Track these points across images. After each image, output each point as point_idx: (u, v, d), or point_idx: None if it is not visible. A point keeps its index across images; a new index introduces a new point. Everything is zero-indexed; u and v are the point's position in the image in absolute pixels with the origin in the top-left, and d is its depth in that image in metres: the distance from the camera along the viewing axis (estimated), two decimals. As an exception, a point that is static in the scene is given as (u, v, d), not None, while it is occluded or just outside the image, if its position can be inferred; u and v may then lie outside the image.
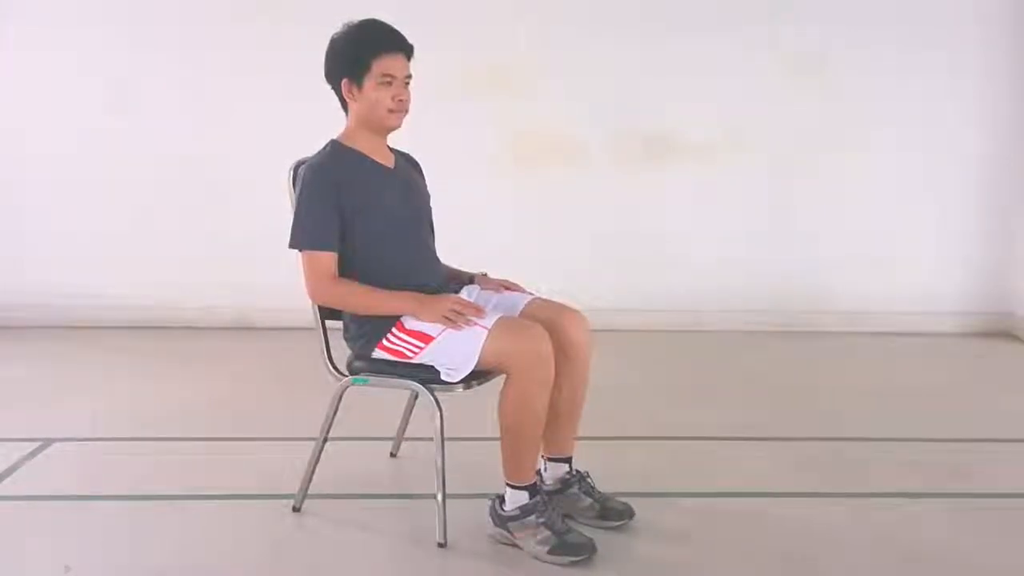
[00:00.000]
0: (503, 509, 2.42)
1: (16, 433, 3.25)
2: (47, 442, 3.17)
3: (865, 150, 4.86)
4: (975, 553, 2.45)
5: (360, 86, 2.44)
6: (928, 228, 4.94)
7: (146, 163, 4.75)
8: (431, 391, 2.42)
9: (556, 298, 2.61)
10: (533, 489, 2.40)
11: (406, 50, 2.47)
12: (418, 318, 2.40)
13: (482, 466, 2.65)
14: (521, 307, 2.56)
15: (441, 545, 2.43)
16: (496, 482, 2.45)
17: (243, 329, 4.81)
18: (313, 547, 2.46)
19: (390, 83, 2.43)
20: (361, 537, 2.52)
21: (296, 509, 2.64)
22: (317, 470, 2.64)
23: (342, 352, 2.59)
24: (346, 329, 2.55)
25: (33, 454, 3.07)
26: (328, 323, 2.59)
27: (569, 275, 4.31)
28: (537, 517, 2.37)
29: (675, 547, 2.47)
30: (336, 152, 2.50)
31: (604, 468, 2.68)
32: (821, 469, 3.02)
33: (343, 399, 2.58)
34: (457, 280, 2.69)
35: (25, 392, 3.82)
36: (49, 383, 3.97)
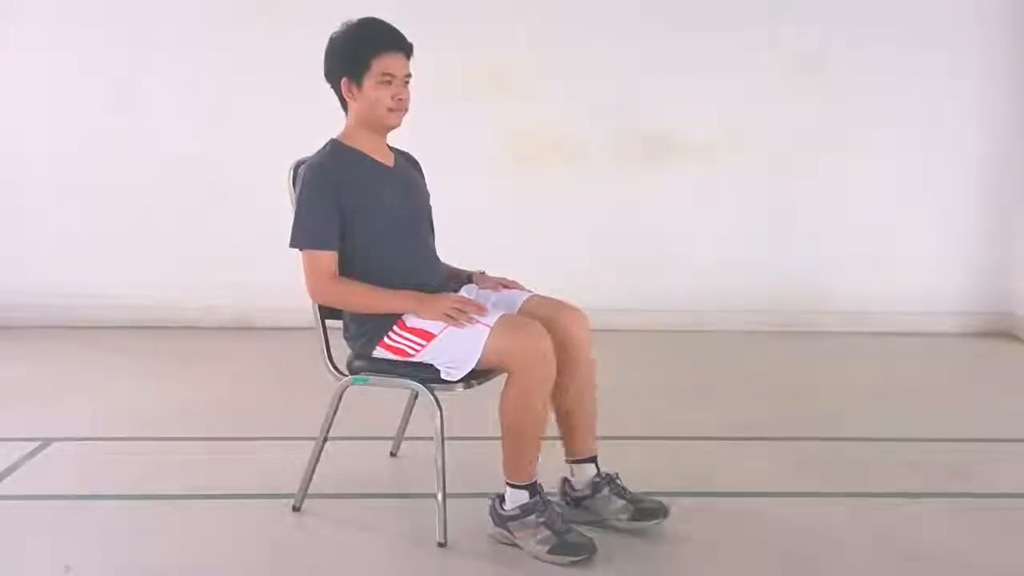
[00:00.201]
0: (503, 509, 2.42)
1: (16, 433, 3.25)
2: (47, 442, 3.17)
3: (865, 150, 4.85)
4: (975, 553, 2.45)
5: (360, 85, 2.44)
6: (928, 228, 4.94)
7: (146, 163, 4.75)
8: (431, 390, 2.42)
9: (555, 297, 2.60)
10: (533, 488, 2.40)
11: (406, 49, 2.47)
12: (419, 316, 2.40)
13: (482, 466, 2.65)
14: (519, 304, 2.56)
15: (441, 545, 2.43)
16: (496, 481, 2.45)
17: (243, 329, 4.81)
18: (313, 547, 2.45)
19: (390, 82, 2.43)
20: (361, 537, 2.51)
21: (296, 509, 2.64)
22: (317, 470, 2.63)
23: (342, 352, 2.59)
24: (346, 328, 2.55)
25: (33, 454, 3.07)
26: (328, 323, 2.59)
27: (569, 275, 4.29)
28: (537, 517, 2.37)
29: (675, 547, 2.47)
30: (336, 151, 2.50)
31: (604, 468, 2.67)
32: (821, 469, 3.02)
33: (343, 399, 2.58)
34: (456, 279, 2.69)
35: (25, 392, 3.82)
36: (49, 383, 3.97)
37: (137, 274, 4.81)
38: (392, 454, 3.07)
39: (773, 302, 4.91)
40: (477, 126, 4.70)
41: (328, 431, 2.61)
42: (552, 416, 2.49)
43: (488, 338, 2.32)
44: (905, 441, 3.29)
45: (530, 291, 2.65)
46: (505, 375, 2.36)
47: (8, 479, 2.88)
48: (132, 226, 4.81)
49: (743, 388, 3.96)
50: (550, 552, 2.35)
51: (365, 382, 2.51)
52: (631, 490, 2.55)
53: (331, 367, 2.58)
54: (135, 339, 4.63)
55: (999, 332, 4.88)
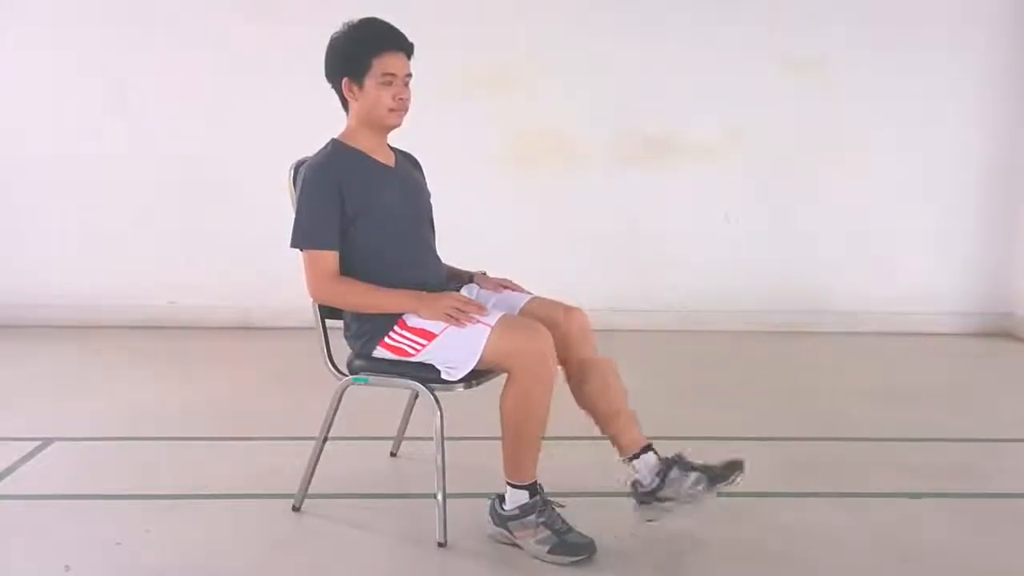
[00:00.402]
0: (503, 508, 2.42)
1: (16, 433, 3.25)
2: (47, 442, 3.17)
3: (865, 150, 4.86)
4: (975, 553, 2.45)
5: (361, 85, 2.44)
6: (928, 228, 4.94)
7: (146, 163, 4.76)
8: (431, 390, 2.42)
9: (556, 298, 2.60)
10: (533, 488, 2.40)
11: (406, 49, 2.47)
12: (420, 316, 2.40)
13: (482, 466, 2.65)
14: (520, 306, 2.56)
15: (441, 545, 2.43)
16: (496, 481, 2.45)
17: (243, 329, 4.81)
18: (313, 547, 2.45)
19: (390, 82, 2.43)
20: (361, 537, 2.51)
21: (296, 509, 2.64)
22: (317, 470, 2.63)
23: (342, 351, 2.59)
24: (347, 328, 2.55)
25: (33, 454, 3.06)
26: (328, 323, 2.59)
27: (569, 275, 4.31)
28: (537, 516, 2.37)
29: (675, 547, 2.47)
30: (337, 151, 2.50)
31: (604, 468, 2.67)
32: (821, 469, 3.02)
33: (343, 399, 2.58)
34: (457, 279, 2.69)
35: (25, 392, 3.82)
36: (49, 383, 3.97)
37: (137, 274, 4.81)
38: (392, 454, 3.07)
39: (773, 302, 4.92)
40: (477, 126, 4.70)
41: (328, 431, 2.61)
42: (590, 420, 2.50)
43: (489, 338, 2.32)
44: (905, 441, 3.29)
45: (531, 293, 2.65)
46: (505, 375, 2.36)
47: (8, 479, 2.88)
48: (132, 226, 4.81)
49: (743, 388, 3.96)
50: (550, 552, 2.35)
51: (365, 382, 2.51)
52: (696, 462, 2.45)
53: (331, 367, 2.58)
54: (135, 339, 4.64)
55: (999, 332, 4.89)
